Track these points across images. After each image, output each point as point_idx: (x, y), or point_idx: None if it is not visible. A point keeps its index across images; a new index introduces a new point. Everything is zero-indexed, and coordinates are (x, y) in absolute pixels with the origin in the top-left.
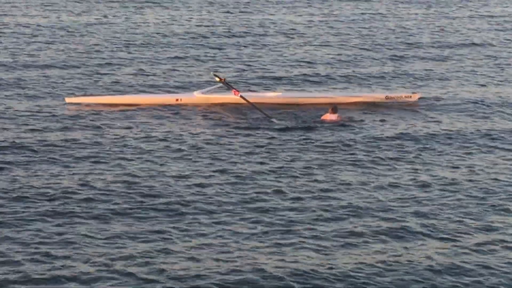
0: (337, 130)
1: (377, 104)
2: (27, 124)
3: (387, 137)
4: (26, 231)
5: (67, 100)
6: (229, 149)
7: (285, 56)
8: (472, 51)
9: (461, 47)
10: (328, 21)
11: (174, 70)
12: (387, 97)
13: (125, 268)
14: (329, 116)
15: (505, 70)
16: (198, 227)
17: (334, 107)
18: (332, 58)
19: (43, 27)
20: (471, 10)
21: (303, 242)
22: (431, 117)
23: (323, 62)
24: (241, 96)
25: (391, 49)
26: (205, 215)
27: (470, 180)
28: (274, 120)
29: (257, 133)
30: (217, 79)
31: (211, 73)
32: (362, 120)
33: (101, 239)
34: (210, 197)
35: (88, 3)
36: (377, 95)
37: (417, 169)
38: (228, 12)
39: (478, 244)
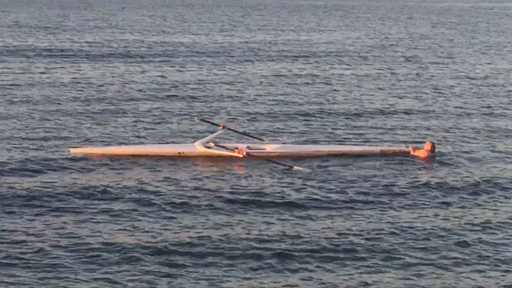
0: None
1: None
2: (31, 173)
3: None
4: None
5: (72, 151)
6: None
7: (285, 105)
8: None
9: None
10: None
11: (177, 121)
12: (381, 151)
13: None
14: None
15: None
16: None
17: (433, 145)
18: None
19: (49, 78)
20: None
21: None
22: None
23: (324, 112)
24: (247, 154)
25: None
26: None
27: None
28: (296, 168)
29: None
30: (218, 126)
31: (197, 118)
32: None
33: None
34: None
35: (92, 58)
36: (372, 148)
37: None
38: (232, 63)
39: None
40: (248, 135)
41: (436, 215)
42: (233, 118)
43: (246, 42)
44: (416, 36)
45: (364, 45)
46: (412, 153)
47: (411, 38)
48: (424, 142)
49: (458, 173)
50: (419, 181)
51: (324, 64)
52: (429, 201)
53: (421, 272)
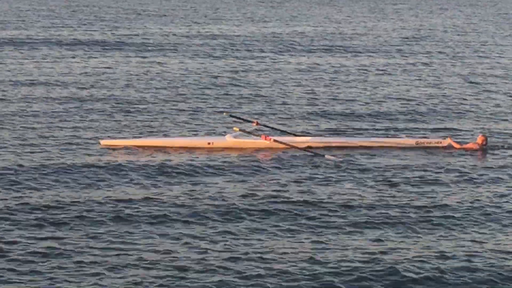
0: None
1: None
2: (62, 166)
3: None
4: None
5: (102, 142)
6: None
7: (317, 97)
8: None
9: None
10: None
11: (208, 113)
12: (417, 143)
13: None
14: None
15: None
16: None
17: (486, 137)
18: (363, 99)
19: (80, 71)
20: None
21: None
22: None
23: (358, 103)
24: (274, 140)
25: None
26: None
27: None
28: (328, 156)
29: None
30: (251, 123)
31: (224, 113)
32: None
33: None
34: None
35: (124, 50)
36: (408, 140)
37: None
38: (262, 58)
39: None
40: (281, 130)
41: (476, 207)
42: (263, 113)
43: (276, 34)
44: (450, 27)
45: (397, 37)
46: (454, 145)
47: (445, 29)
48: (475, 135)
49: (506, 165)
50: (463, 173)
51: (357, 56)
52: (470, 192)
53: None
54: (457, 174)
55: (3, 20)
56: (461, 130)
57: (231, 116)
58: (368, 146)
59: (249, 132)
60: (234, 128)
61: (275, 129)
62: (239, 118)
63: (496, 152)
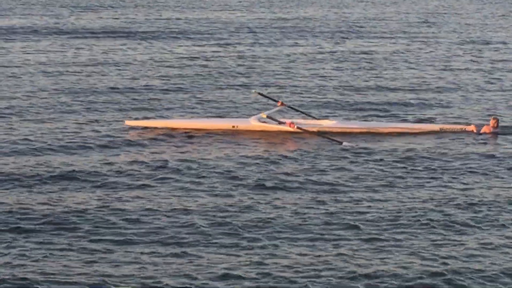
0: (404, 150)
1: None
2: (88, 147)
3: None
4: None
5: (127, 123)
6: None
7: (343, 83)
8: None
9: None
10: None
11: (232, 95)
12: (441, 129)
13: None
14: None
15: None
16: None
17: (498, 121)
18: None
19: (108, 53)
20: None
21: None
22: None
23: (385, 89)
24: (298, 127)
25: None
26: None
27: None
28: (345, 143)
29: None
30: (276, 102)
31: (254, 91)
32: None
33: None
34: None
35: (152, 33)
36: (432, 126)
37: None
38: (286, 38)
39: None
40: (304, 113)
41: (500, 189)
42: (288, 96)
43: (297, 18)
44: (467, 11)
45: (416, 21)
46: (474, 130)
47: (462, 13)
48: (488, 119)
49: None
50: (480, 157)
51: (381, 40)
52: (491, 176)
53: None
54: (486, 160)
55: (27, 1)
56: (472, 114)
57: (259, 94)
58: (392, 132)
59: (276, 119)
60: (262, 114)
61: (299, 111)
62: (266, 96)
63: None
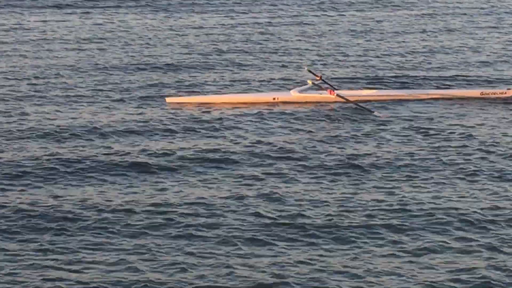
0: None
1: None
2: (128, 126)
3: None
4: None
5: (168, 100)
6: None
7: (379, 54)
8: None
9: None
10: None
11: (272, 68)
12: (482, 93)
13: None
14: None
15: None
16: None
17: None
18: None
19: (143, 29)
20: None
21: None
22: None
23: (413, 59)
24: (337, 95)
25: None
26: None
27: None
28: (376, 113)
29: (357, 128)
30: (316, 77)
31: (306, 68)
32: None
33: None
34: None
35: (186, 7)
36: (472, 91)
37: None
38: (322, 10)
39: None
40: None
41: None
42: (328, 70)
43: None
44: None
45: None
46: None
47: None
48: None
49: None
50: None
51: (412, 7)
52: None
53: None
54: None
55: None
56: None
57: (309, 71)
58: (433, 98)
59: (319, 86)
60: (308, 81)
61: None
62: (310, 71)
63: None
